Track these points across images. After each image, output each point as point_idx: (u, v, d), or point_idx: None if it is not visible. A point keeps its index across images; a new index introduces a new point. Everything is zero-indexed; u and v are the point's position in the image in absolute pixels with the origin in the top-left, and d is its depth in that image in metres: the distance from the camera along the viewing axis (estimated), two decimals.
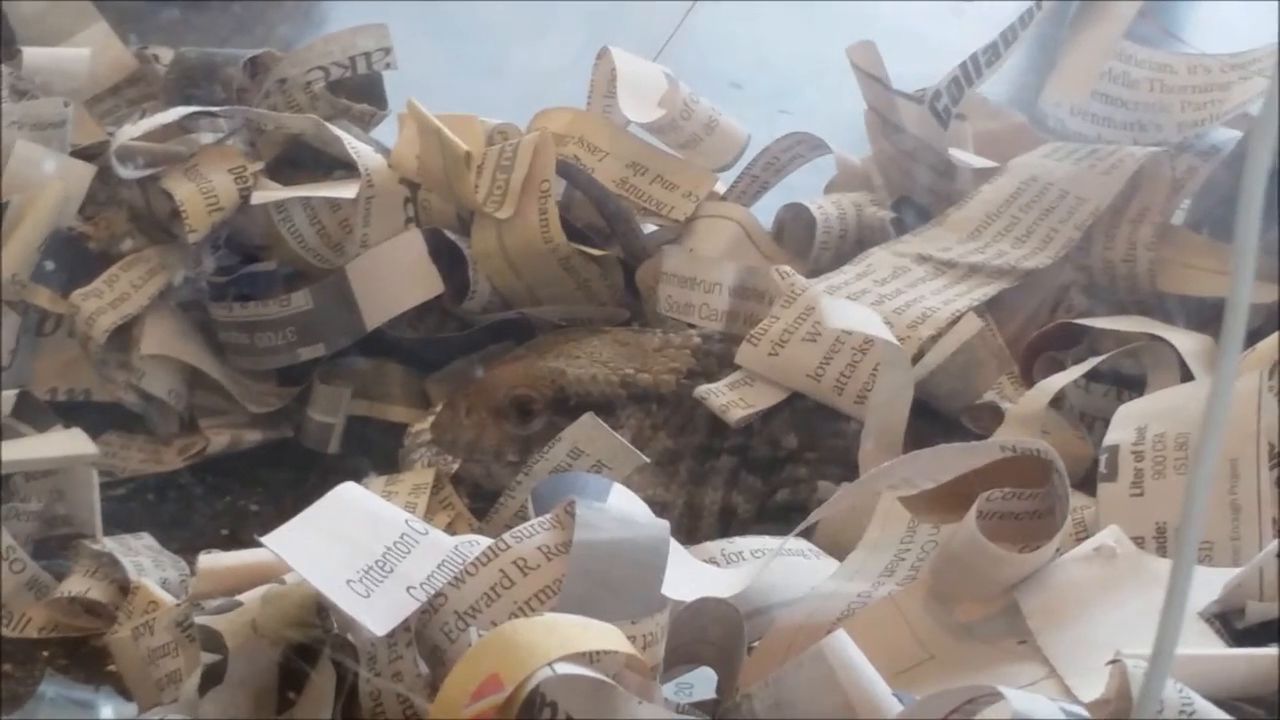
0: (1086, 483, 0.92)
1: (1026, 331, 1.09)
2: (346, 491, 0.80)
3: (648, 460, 0.97)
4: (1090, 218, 1.11)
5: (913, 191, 1.20)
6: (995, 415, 1.02)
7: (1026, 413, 1.00)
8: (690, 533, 1.01)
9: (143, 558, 0.99)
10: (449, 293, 1.16)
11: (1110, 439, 0.91)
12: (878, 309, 1.05)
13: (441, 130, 1.13)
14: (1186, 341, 1.00)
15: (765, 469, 1.03)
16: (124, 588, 0.96)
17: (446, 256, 1.16)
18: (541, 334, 1.13)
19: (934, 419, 1.02)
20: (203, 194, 1.14)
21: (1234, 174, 1.12)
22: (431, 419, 1.07)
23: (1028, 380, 1.05)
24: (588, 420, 0.96)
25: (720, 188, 1.24)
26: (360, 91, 1.28)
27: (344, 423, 1.17)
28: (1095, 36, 1.20)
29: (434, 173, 1.15)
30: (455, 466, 1.06)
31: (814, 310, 1.03)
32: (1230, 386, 0.53)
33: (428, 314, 1.18)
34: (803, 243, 1.18)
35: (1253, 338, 0.92)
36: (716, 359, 1.05)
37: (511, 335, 1.15)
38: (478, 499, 1.05)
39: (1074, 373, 1.01)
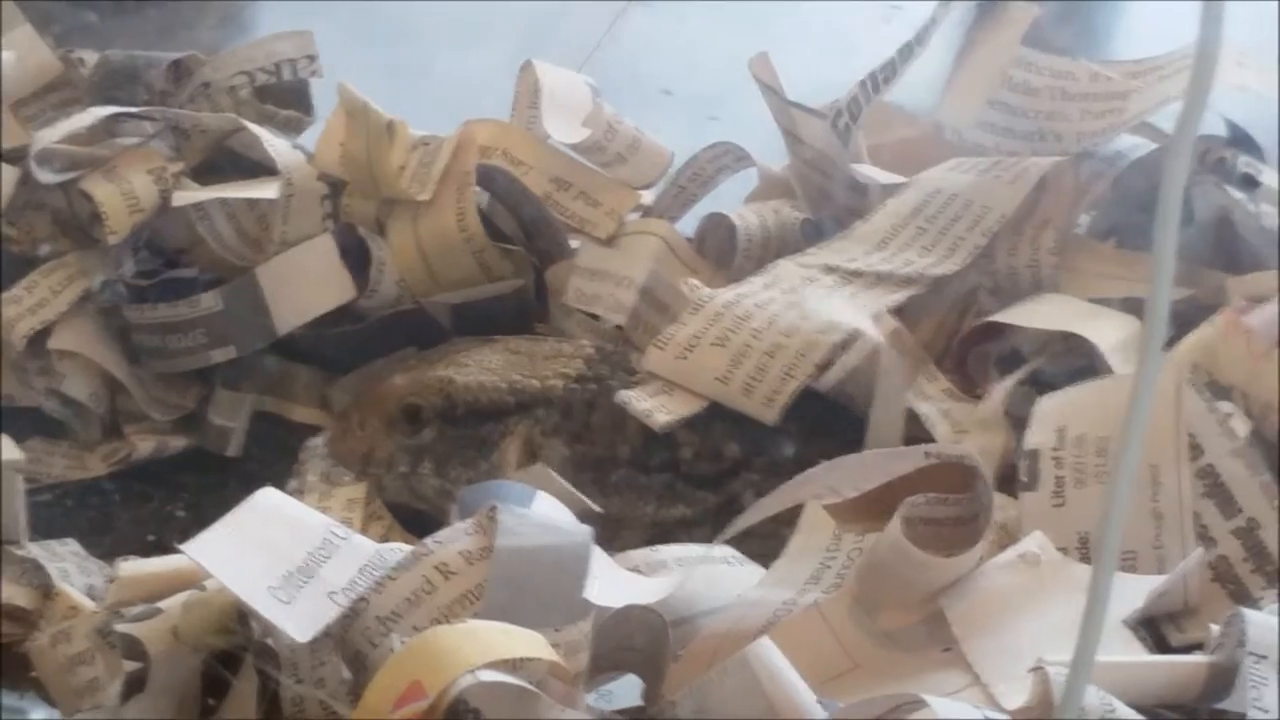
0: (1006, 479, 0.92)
1: (936, 337, 1.10)
2: (266, 497, 0.80)
3: (599, 510, 0.97)
4: (997, 224, 1.10)
5: (823, 204, 1.20)
6: (912, 419, 1.02)
7: (987, 415, 1.01)
8: (619, 544, 1.00)
9: (68, 564, 0.98)
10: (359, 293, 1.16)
11: (1030, 442, 0.91)
12: (784, 315, 1.05)
13: (369, 103, 1.13)
14: (1111, 328, 1.01)
15: (713, 481, 1.03)
16: (48, 594, 0.95)
17: (355, 255, 1.15)
18: (439, 332, 1.13)
19: (849, 426, 1.02)
20: (123, 195, 1.14)
21: (1142, 182, 1.12)
22: (325, 434, 1.08)
23: (965, 383, 1.06)
24: (538, 469, 0.97)
25: (649, 198, 1.23)
26: (287, 98, 1.28)
27: (245, 426, 1.16)
28: (987, 52, 1.21)
29: (357, 157, 1.14)
30: (348, 480, 1.06)
31: (737, 313, 1.04)
32: (1149, 398, 0.53)
33: (346, 317, 1.17)
34: (725, 252, 1.17)
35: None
36: (610, 366, 1.06)
37: (410, 332, 1.14)
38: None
39: (1026, 370, 1.02)
